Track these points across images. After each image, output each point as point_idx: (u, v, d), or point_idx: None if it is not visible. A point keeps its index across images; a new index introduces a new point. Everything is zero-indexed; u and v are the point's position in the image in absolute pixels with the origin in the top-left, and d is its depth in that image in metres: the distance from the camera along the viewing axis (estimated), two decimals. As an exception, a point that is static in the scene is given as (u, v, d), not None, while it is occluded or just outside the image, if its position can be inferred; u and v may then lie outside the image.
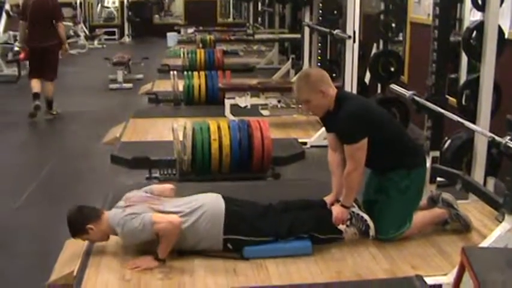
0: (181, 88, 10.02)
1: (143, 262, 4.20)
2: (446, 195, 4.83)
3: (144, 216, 4.16)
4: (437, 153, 5.33)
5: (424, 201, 4.86)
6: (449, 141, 5.54)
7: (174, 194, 4.66)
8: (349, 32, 7.34)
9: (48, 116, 9.91)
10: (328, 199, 4.69)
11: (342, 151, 4.55)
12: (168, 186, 4.76)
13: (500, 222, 4.22)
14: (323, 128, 7.57)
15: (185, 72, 10.44)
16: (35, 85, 9.91)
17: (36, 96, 9.80)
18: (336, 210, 4.49)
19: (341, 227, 4.54)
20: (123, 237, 4.28)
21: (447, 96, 5.37)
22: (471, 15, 6.75)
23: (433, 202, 4.87)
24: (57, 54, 10.27)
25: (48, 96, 10.02)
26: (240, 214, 4.42)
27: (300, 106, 8.75)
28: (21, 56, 10.66)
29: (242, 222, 4.38)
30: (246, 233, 4.33)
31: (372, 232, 4.53)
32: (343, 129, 4.44)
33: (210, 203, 4.41)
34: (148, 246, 4.25)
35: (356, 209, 4.53)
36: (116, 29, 23.41)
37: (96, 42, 20.88)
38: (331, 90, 4.47)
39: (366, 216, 4.53)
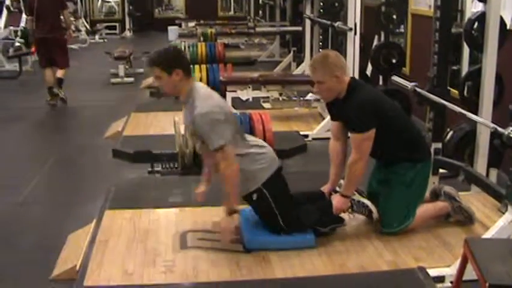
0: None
1: (224, 224, 4.30)
2: (448, 188, 4.82)
3: (228, 133, 4.18)
4: (439, 145, 5.32)
5: (426, 194, 4.85)
6: (451, 133, 5.53)
7: None
8: (351, 24, 7.33)
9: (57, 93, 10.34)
10: (325, 188, 4.69)
11: (344, 141, 4.56)
12: None
13: (503, 213, 4.23)
14: (325, 121, 7.60)
15: (186, 66, 10.41)
16: (49, 79, 10.33)
17: (50, 90, 10.27)
18: (336, 200, 4.50)
19: (342, 214, 4.54)
20: (199, 116, 4.15)
21: (449, 87, 5.36)
22: (473, 6, 6.73)
23: (435, 195, 4.87)
24: (65, 43, 10.78)
25: (59, 77, 10.42)
26: (285, 183, 4.49)
27: (301, 99, 8.76)
28: (34, 49, 11.13)
29: (283, 190, 4.45)
30: (276, 201, 4.36)
31: (375, 215, 4.54)
32: (353, 118, 4.42)
33: (272, 152, 4.54)
34: (201, 147, 4.35)
35: (356, 196, 4.53)
36: (116, 24, 23.38)
37: (97, 36, 20.86)
38: (345, 77, 4.47)
39: (366, 202, 4.54)
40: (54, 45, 10.31)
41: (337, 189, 4.59)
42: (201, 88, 4.36)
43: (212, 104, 4.21)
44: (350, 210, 4.55)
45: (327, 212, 4.49)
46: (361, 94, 4.43)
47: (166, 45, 4.28)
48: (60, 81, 10.41)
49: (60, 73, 10.44)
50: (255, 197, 4.36)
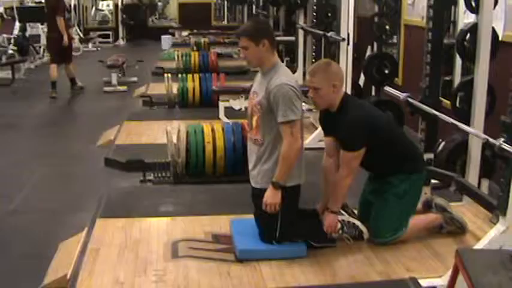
0: (175, 91, 10.01)
1: (269, 198, 4.28)
2: (439, 200, 4.84)
3: (299, 111, 4.27)
4: (431, 155, 5.33)
5: (419, 205, 4.86)
6: (443, 143, 5.54)
7: None
8: (343, 34, 7.35)
9: (76, 91, 12.30)
10: (319, 206, 4.69)
11: (338, 158, 4.54)
12: None
13: (495, 224, 4.23)
14: (317, 131, 7.59)
15: (179, 75, 10.43)
16: (54, 74, 11.96)
17: (53, 85, 11.86)
18: (327, 220, 4.48)
19: (333, 235, 4.53)
20: (280, 85, 4.25)
21: (441, 98, 5.38)
22: (465, 18, 6.75)
23: (427, 206, 4.88)
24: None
25: (70, 76, 12.37)
26: (297, 200, 4.51)
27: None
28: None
29: (292, 204, 4.45)
30: (283, 209, 4.34)
31: (365, 236, 4.53)
32: (345, 135, 4.42)
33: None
34: (262, 118, 4.36)
35: (345, 217, 4.52)
36: (110, 32, 23.35)
37: (90, 45, 20.84)
38: (341, 89, 4.47)
39: (356, 222, 4.53)
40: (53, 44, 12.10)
41: (327, 207, 4.58)
42: (284, 66, 4.51)
43: (293, 80, 4.35)
44: (340, 231, 4.54)
45: (319, 230, 4.49)
46: (353, 111, 4.42)
47: (253, 19, 4.49)
48: (72, 81, 12.40)
49: (69, 72, 12.39)
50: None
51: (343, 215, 4.51)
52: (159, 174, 6.40)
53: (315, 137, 7.62)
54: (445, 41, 5.74)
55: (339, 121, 4.43)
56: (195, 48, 15.56)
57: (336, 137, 4.55)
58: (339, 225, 4.50)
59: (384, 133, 4.49)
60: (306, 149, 7.43)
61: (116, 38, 22.94)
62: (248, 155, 4.62)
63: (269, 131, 4.35)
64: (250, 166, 4.56)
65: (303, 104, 4.54)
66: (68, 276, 4.17)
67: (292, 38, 11.97)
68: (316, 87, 4.43)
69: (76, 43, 19.74)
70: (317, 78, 4.43)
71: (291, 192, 4.37)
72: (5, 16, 14.94)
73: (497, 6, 5.36)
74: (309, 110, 8.39)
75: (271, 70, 4.39)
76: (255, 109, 4.43)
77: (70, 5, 21.04)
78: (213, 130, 6.32)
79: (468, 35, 5.28)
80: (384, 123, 4.61)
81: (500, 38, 5.49)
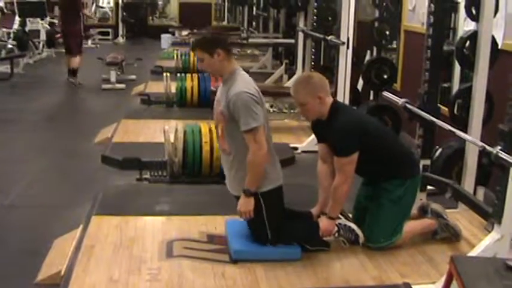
0: (173, 90, 10.01)
1: (242, 206, 4.30)
2: (435, 206, 4.84)
3: (261, 117, 4.23)
4: (428, 162, 5.33)
5: (414, 210, 4.86)
6: (440, 150, 5.56)
7: None
8: (343, 38, 7.35)
9: (72, 81, 12.75)
10: (314, 210, 4.69)
11: (332, 163, 4.54)
12: None
13: (489, 231, 4.23)
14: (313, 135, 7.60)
15: (178, 74, 10.44)
16: (76, 64, 12.83)
17: (75, 72, 12.82)
18: (323, 223, 4.50)
19: (329, 238, 4.54)
20: (237, 94, 4.23)
21: (439, 105, 5.39)
22: (465, 25, 6.76)
23: (423, 212, 4.88)
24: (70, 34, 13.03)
25: (72, 67, 12.86)
26: (281, 201, 4.52)
27: (292, 111, 8.77)
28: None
29: (278, 206, 4.47)
30: (269, 213, 4.37)
31: (361, 240, 4.54)
32: (336, 142, 4.43)
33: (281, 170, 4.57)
34: (228, 126, 4.34)
35: (342, 220, 4.53)
36: (110, 29, 23.32)
37: (90, 42, 20.79)
38: (327, 99, 4.47)
39: (353, 226, 4.53)
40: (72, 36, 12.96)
41: (325, 212, 4.58)
42: (245, 74, 4.48)
43: (251, 87, 4.32)
44: (336, 234, 4.55)
45: (314, 233, 4.50)
46: (343, 117, 4.43)
47: (207, 29, 4.50)
48: (74, 72, 12.86)
49: (73, 63, 12.86)
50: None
51: (340, 218, 4.52)
52: (156, 173, 6.39)
53: (311, 141, 7.62)
54: (445, 47, 5.74)
55: (330, 128, 4.44)
56: (194, 48, 15.52)
57: (328, 144, 4.56)
58: (336, 229, 4.50)
59: (375, 138, 4.50)
60: (303, 151, 7.54)
61: (116, 36, 22.91)
62: (222, 164, 4.64)
63: (235, 140, 4.35)
64: (226, 175, 4.57)
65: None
66: (62, 272, 4.18)
67: (292, 41, 11.98)
68: (302, 103, 4.46)
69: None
70: (301, 94, 4.45)
71: (269, 196, 4.37)
72: (5, 10, 14.92)
73: (497, 15, 5.37)
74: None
75: (230, 78, 4.38)
76: (220, 118, 4.43)
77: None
78: (210, 130, 6.32)
79: (468, 42, 5.29)
80: (374, 128, 4.62)
81: (499, 46, 5.50)
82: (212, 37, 4.49)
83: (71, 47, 12.96)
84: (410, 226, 4.66)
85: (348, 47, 7.37)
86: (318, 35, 8.89)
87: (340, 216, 4.54)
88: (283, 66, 12.77)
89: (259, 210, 4.34)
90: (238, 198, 4.40)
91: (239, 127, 4.22)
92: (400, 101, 5.45)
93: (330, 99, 4.48)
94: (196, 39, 4.51)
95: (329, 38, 7.95)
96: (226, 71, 4.40)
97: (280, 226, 4.42)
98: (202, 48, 4.36)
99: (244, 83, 4.31)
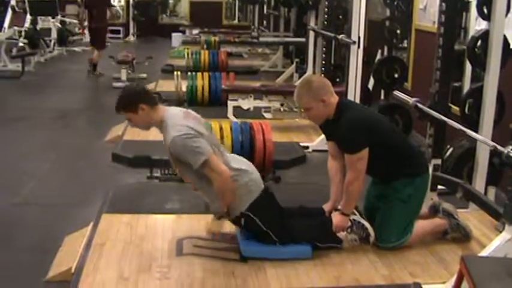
0: (184, 88, 10.02)
1: (213, 225, 4.37)
2: (446, 205, 4.82)
3: (205, 148, 4.14)
4: (438, 161, 5.32)
5: (425, 209, 4.85)
6: (451, 150, 5.54)
7: None
8: (354, 37, 7.34)
9: (95, 76, 13.57)
10: (326, 207, 4.69)
11: (342, 159, 4.54)
12: None
13: (500, 231, 4.22)
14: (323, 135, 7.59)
15: (189, 73, 10.45)
16: (97, 58, 13.73)
17: (95, 67, 13.68)
18: (337, 218, 4.49)
19: (341, 234, 4.54)
20: (171, 141, 4.17)
21: (450, 104, 5.37)
22: (476, 24, 6.74)
23: (434, 211, 4.86)
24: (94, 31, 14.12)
25: (93, 61, 13.74)
26: (272, 202, 4.47)
27: (302, 110, 8.76)
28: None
29: (270, 210, 4.42)
30: (265, 221, 4.34)
31: (371, 239, 4.53)
32: (344, 139, 4.44)
33: (257, 173, 4.47)
34: (182, 169, 4.34)
35: (357, 217, 4.52)
36: (121, 28, 23.38)
37: (100, 40, 20.85)
38: (332, 99, 4.46)
39: (366, 224, 4.52)
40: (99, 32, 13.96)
41: (339, 207, 4.57)
42: (174, 113, 4.35)
43: (183, 126, 4.19)
44: (349, 229, 4.55)
45: (326, 228, 4.49)
46: (351, 114, 4.43)
47: (124, 89, 4.40)
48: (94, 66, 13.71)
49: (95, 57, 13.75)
50: (243, 221, 4.36)
51: (355, 214, 4.51)
52: (166, 171, 6.40)
53: (321, 140, 7.61)
54: (456, 47, 5.72)
55: (338, 126, 4.44)
56: (205, 46, 15.57)
57: (337, 142, 4.56)
58: (349, 223, 4.50)
59: (383, 135, 4.49)
60: (314, 150, 7.54)
61: (127, 34, 22.97)
62: None
63: (192, 176, 4.34)
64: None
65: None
66: (73, 270, 4.19)
67: (303, 40, 11.98)
68: (307, 108, 4.47)
69: (86, 38, 19.79)
70: (304, 100, 4.47)
71: (256, 207, 4.34)
72: (16, 9, 14.95)
73: (509, 14, 5.35)
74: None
75: (162, 126, 4.32)
76: (176, 164, 4.42)
77: (82, 0, 21.10)
78: (221, 129, 6.32)
79: (479, 42, 5.27)
80: (382, 125, 4.61)
81: (511, 46, 5.47)
82: (131, 94, 4.38)
83: (96, 41, 13.89)
84: (421, 226, 4.65)
85: (358, 46, 7.36)
86: (328, 33, 8.89)
87: (356, 212, 4.53)
88: (293, 65, 12.78)
89: (253, 223, 4.33)
90: (232, 222, 4.47)
91: (190, 166, 4.19)
92: (411, 100, 5.44)
93: (335, 99, 4.48)
94: (117, 101, 4.38)
95: (340, 36, 7.94)
96: (155, 121, 4.35)
97: (285, 227, 4.42)
98: (125, 109, 4.33)
99: (173, 127, 4.20)
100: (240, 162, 4.50)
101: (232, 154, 4.67)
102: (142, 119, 4.31)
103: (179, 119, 4.26)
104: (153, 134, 7.88)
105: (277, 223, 4.40)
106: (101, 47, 13.93)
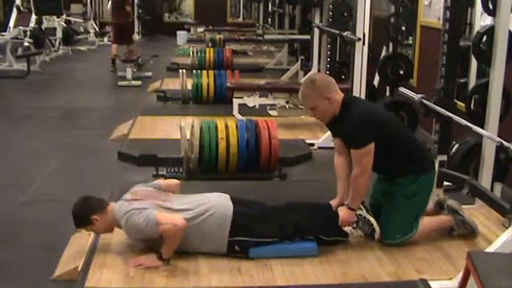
0: (189, 87, 10.03)
1: (146, 260, 4.20)
2: (451, 202, 4.81)
3: (149, 214, 4.14)
4: (444, 157, 5.31)
5: (430, 205, 4.85)
6: (457, 146, 5.53)
7: (179, 189, 4.66)
8: (359, 34, 7.33)
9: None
10: (333, 202, 4.68)
11: (348, 155, 4.54)
12: (174, 181, 4.76)
13: (507, 228, 4.22)
14: (329, 132, 7.59)
15: (194, 71, 10.46)
16: (115, 51, 14.13)
17: (113, 61, 14.06)
18: (343, 213, 4.49)
19: (347, 228, 4.54)
20: (126, 231, 4.29)
21: (456, 100, 5.36)
22: (482, 20, 6.73)
23: (440, 207, 4.86)
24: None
25: (113, 54, 14.15)
26: (248, 215, 4.40)
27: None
28: None
29: (250, 223, 4.36)
30: (253, 234, 4.32)
31: (377, 235, 4.52)
32: (350, 134, 4.44)
33: (218, 204, 4.38)
34: (152, 243, 4.26)
35: (363, 212, 4.52)
36: (126, 26, 23.40)
37: (105, 39, 20.87)
38: (337, 96, 4.46)
39: (372, 220, 4.52)
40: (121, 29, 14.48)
41: (345, 203, 4.57)
42: (117, 209, 4.33)
43: (125, 213, 4.24)
44: (355, 225, 4.55)
45: (332, 222, 4.49)
46: (356, 109, 4.43)
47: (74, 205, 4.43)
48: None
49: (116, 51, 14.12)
50: (237, 248, 4.32)
51: (361, 210, 4.51)
52: (172, 170, 6.41)
53: (327, 137, 7.61)
54: (461, 43, 5.72)
55: (343, 121, 4.44)
56: (210, 44, 15.59)
57: (343, 139, 4.56)
58: (355, 219, 4.50)
59: (389, 129, 4.49)
60: (320, 147, 7.53)
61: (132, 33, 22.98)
62: None
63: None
64: None
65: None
66: (79, 268, 4.19)
67: (308, 37, 11.98)
68: (312, 107, 4.47)
69: (92, 37, 19.83)
70: (308, 99, 4.48)
71: (237, 234, 4.30)
72: (21, 8, 14.98)
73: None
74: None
75: (118, 224, 4.33)
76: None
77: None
78: (226, 127, 6.32)
79: (484, 37, 5.26)
80: (388, 120, 4.61)
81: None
82: (80, 212, 4.37)
83: (116, 37, 14.45)
84: (427, 222, 4.64)
85: (363, 43, 7.34)
86: (333, 30, 8.88)
87: (362, 207, 4.52)
88: (298, 63, 12.78)
89: (248, 243, 4.31)
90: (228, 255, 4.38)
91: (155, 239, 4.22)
92: (417, 96, 5.44)
93: (339, 96, 4.48)
94: (73, 221, 4.39)
95: (345, 34, 7.94)
96: (111, 222, 4.36)
97: (278, 227, 4.39)
98: (82, 226, 4.38)
99: (121, 218, 4.25)
100: (199, 200, 4.42)
101: (185, 198, 4.53)
102: (100, 226, 4.36)
103: (123, 209, 4.28)
104: (159, 133, 7.98)
105: (264, 226, 4.38)
106: (118, 43, 14.26)
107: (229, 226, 4.29)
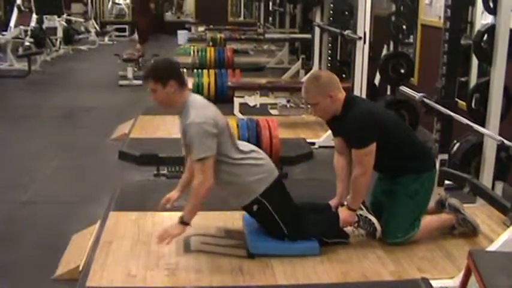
0: (190, 86, 10.02)
1: (169, 231, 4.22)
2: (453, 200, 4.81)
3: (212, 147, 4.11)
4: (445, 156, 5.31)
5: (432, 204, 4.84)
6: (458, 144, 5.53)
7: None
8: (360, 33, 7.33)
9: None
10: (332, 202, 4.68)
11: (348, 154, 4.53)
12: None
13: (508, 226, 4.22)
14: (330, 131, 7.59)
15: (195, 70, 10.47)
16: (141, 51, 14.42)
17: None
18: (344, 214, 4.48)
19: (348, 229, 4.53)
20: (188, 125, 4.13)
21: (457, 99, 5.36)
22: (482, 19, 6.73)
23: (441, 206, 4.86)
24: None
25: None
26: (285, 191, 4.44)
27: (309, 106, 8.75)
28: None
29: (283, 199, 4.40)
30: (277, 210, 4.32)
31: (378, 234, 4.52)
32: (351, 134, 4.43)
33: (270, 163, 4.45)
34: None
35: (364, 212, 4.51)
36: (126, 26, 23.43)
37: (106, 38, 20.92)
38: (339, 95, 4.45)
39: (373, 219, 4.51)
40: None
41: (345, 203, 4.57)
42: (197, 99, 4.32)
43: (206, 115, 4.16)
44: (356, 225, 4.54)
45: (333, 224, 4.48)
46: (357, 109, 4.42)
47: (159, 60, 4.28)
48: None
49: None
50: (255, 208, 4.32)
51: (362, 209, 4.51)
52: (173, 169, 6.41)
53: (328, 136, 7.61)
54: (462, 41, 5.71)
55: (345, 121, 4.43)
56: (211, 43, 15.59)
57: (344, 138, 4.55)
58: (356, 219, 4.50)
59: (391, 129, 4.47)
60: (320, 146, 7.53)
61: (132, 32, 22.98)
62: None
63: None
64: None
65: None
66: (80, 268, 4.20)
67: (309, 36, 11.98)
68: (314, 103, 4.46)
69: (93, 36, 19.84)
70: (311, 95, 4.45)
71: (269, 194, 4.31)
72: (22, 8, 14.99)
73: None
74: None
75: (184, 110, 4.25)
76: (186, 151, 4.41)
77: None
78: (227, 126, 6.31)
79: (485, 36, 5.26)
80: (389, 120, 4.59)
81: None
82: (166, 66, 4.32)
83: (144, 36, 15.50)
84: (428, 221, 4.64)
85: (364, 42, 7.35)
86: (334, 29, 8.89)
87: (362, 207, 4.52)
88: (299, 61, 12.79)
89: (266, 211, 4.32)
90: (244, 209, 4.43)
91: None
92: (418, 95, 5.43)
93: (342, 95, 4.47)
94: (150, 67, 4.32)
95: (345, 32, 7.94)
96: (178, 103, 4.28)
97: (295, 218, 4.41)
98: (156, 79, 4.21)
99: (195, 113, 4.15)
100: (253, 148, 4.50)
101: (245, 142, 4.62)
102: (167, 95, 4.24)
103: (202, 108, 4.23)
104: (160, 132, 7.97)
105: (289, 214, 4.39)
106: (140, 39, 15.22)
107: (268, 185, 4.30)
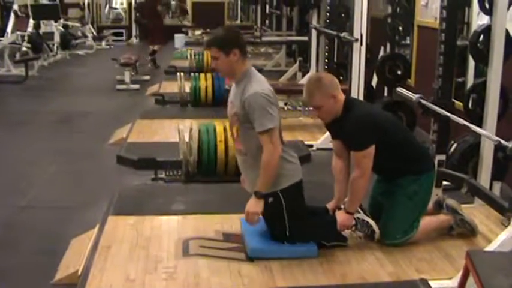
0: (188, 89, 10.04)
1: (251, 208, 4.26)
2: (450, 201, 4.82)
3: (277, 118, 4.20)
4: (443, 157, 5.32)
5: (430, 205, 4.84)
6: (455, 145, 5.54)
7: None
8: (357, 35, 7.34)
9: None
10: (330, 205, 4.69)
11: (347, 158, 4.54)
12: None
13: (506, 226, 4.22)
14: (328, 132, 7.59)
15: (192, 74, 10.46)
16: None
17: (154, 60, 15.23)
18: (341, 217, 4.48)
19: (346, 232, 4.53)
20: (253, 95, 4.18)
21: (454, 99, 5.37)
22: (478, 19, 6.74)
23: (439, 207, 4.86)
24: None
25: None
26: (302, 195, 4.48)
27: (307, 109, 8.76)
28: None
29: (298, 201, 4.44)
30: (289, 210, 4.36)
31: (376, 236, 4.52)
32: (350, 136, 4.43)
33: (299, 167, 4.50)
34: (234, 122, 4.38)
35: (361, 215, 4.51)
36: (123, 30, 23.42)
37: (103, 43, 20.90)
38: (340, 95, 4.46)
39: (370, 221, 4.52)
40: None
41: (342, 206, 4.57)
42: (257, 72, 4.40)
43: (269, 88, 4.27)
44: (353, 228, 4.54)
45: (331, 227, 4.48)
46: (356, 111, 4.42)
47: (223, 27, 4.38)
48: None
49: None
50: (270, 200, 4.31)
51: (359, 212, 4.51)
52: (171, 173, 6.41)
53: (326, 138, 7.61)
54: (459, 42, 5.72)
55: (344, 123, 4.43)
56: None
57: (343, 140, 4.55)
58: (353, 222, 4.49)
59: (389, 131, 4.48)
60: (318, 149, 7.53)
61: (129, 37, 23.01)
62: (239, 164, 4.63)
63: (249, 140, 4.32)
64: (243, 175, 4.59)
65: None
66: (79, 272, 4.20)
67: (306, 38, 11.98)
68: (319, 106, 4.45)
69: (90, 41, 19.83)
70: (316, 97, 4.43)
71: (289, 193, 4.35)
72: (19, 13, 14.99)
73: (511, 8, 5.34)
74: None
75: (244, 79, 4.31)
76: (234, 119, 4.41)
77: (84, 3, 21.16)
78: (225, 129, 6.33)
79: (482, 36, 5.27)
80: (388, 122, 4.60)
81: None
82: (231, 35, 4.35)
83: (152, 38, 15.64)
84: (426, 222, 4.64)
85: (361, 44, 7.35)
86: (331, 32, 8.89)
87: (359, 210, 4.52)
88: (297, 64, 12.78)
89: (279, 207, 4.33)
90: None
91: (254, 128, 4.20)
92: (415, 96, 5.45)
93: (342, 96, 4.48)
94: (214, 36, 4.38)
95: (342, 34, 7.95)
96: (239, 71, 4.33)
97: (301, 224, 4.41)
98: (220, 47, 4.26)
99: (258, 84, 4.25)
100: (289, 147, 4.53)
101: None
102: (230, 63, 4.28)
103: (264, 81, 4.34)
104: (158, 136, 7.98)
105: (297, 218, 4.39)
106: (153, 42, 15.44)
107: (290, 184, 4.34)
